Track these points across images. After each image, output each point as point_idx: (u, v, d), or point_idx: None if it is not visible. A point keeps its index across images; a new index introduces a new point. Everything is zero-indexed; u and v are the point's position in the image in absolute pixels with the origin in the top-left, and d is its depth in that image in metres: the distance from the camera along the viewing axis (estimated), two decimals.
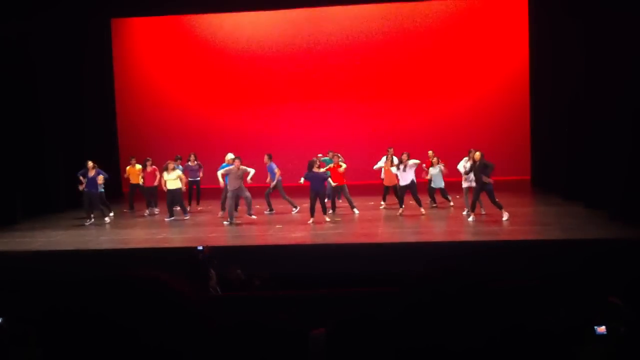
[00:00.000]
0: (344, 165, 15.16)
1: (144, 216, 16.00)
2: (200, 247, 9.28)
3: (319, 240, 12.54)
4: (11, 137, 15.85)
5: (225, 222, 14.39)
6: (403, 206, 14.72)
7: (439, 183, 15.14)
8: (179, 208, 15.57)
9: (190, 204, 16.53)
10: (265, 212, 15.67)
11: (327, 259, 11.16)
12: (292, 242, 12.32)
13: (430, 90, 21.47)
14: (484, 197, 13.75)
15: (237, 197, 14.53)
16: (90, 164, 15.03)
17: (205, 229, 14.11)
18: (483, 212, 14.09)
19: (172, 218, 15.27)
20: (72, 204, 16.53)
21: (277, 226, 13.99)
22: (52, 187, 17.31)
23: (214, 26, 22.04)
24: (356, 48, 21.54)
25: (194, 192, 16.92)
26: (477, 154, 13.53)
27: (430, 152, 15.84)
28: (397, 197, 14.97)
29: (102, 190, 15.26)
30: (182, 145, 20.69)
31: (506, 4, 21.03)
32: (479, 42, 21.09)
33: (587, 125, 14.48)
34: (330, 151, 16.43)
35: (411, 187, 14.49)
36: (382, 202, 16.09)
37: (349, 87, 21.64)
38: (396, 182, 15.01)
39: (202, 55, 22.14)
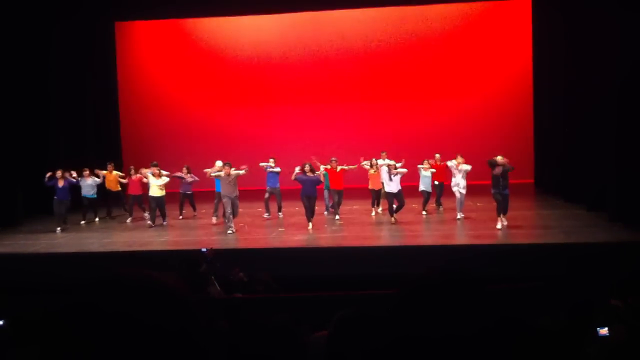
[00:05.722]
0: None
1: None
2: (204, 250, 9.29)
3: (321, 244, 12.52)
4: (13, 138, 15.88)
5: (229, 232, 13.55)
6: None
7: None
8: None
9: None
10: (264, 215, 15.55)
11: (328, 262, 11.15)
12: (294, 245, 12.32)
13: (433, 93, 21.44)
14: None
15: (232, 204, 13.75)
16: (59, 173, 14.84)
17: (207, 232, 14.10)
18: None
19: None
20: (73, 206, 16.53)
21: (280, 229, 13.99)
22: (54, 188, 17.28)
23: (217, 30, 22.06)
24: (359, 51, 21.55)
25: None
26: (501, 158, 12.95)
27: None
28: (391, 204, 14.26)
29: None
30: (185, 148, 20.74)
31: (509, 7, 21.03)
32: (481, 45, 21.08)
33: (589, 128, 14.47)
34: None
35: (398, 195, 13.92)
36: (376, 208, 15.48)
37: (351, 90, 21.63)
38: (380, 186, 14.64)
39: (205, 59, 22.16)
